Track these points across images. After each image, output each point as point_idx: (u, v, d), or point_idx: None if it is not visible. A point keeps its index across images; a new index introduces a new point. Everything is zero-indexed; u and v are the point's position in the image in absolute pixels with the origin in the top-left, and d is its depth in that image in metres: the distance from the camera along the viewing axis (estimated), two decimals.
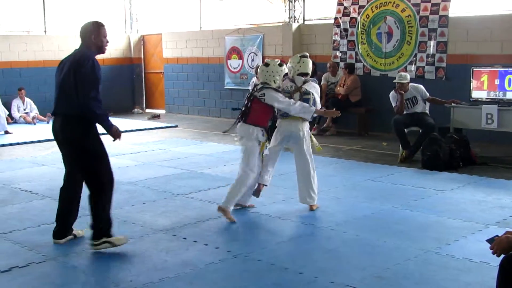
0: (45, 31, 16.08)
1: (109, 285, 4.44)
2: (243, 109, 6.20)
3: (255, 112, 6.11)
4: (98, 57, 5.26)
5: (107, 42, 5.31)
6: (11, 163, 9.44)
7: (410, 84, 9.20)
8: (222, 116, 15.17)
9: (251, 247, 5.22)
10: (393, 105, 9.28)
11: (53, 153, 10.21)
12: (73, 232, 5.51)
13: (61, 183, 5.45)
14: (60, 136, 5.20)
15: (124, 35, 17.68)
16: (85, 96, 4.98)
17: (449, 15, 11.04)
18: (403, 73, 9.40)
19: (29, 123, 14.26)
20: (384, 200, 6.74)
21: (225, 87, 15.18)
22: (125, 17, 17.98)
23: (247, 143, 6.11)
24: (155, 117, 15.85)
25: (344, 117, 12.15)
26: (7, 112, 13.67)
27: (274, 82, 6.23)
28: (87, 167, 5.18)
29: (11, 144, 11.35)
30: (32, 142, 11.59)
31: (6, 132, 12.68)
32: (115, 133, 5.24)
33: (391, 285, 4.34)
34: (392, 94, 9.31)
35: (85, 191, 5.27)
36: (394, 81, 9.23)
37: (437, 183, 7.55)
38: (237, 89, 14.77)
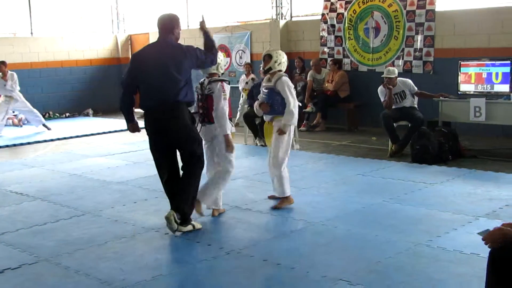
0: (31, 33, 16.01)
1: (102, 285, 4.44)
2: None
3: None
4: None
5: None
6: (1, 165, 9.39)
7: (398, 78, 9.24)
8: None
9: (243, 243, 5.24)
10: (382, 99, 9.32)
11: (42, 155, 10.19)
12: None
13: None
14: (169, 125, 5.44)
15: (111, 35, 17.62)
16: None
17: (436, 9, 11.09)
18: (391, 68, 9.44)
19: (16, 125, 14.20)
20: (374, 195, 6.77)
21: None
22: (112, 17, 17.93)
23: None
24: None
25: (333, 112, 12.27)
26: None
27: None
28: (194, 150, 5.52)
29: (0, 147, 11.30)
30: (22, 144, 11.53)
31: (44, 126, 13.14)
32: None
33: (383, 278, 4.37)
34: (380, 89, 9.35)
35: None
36: (382, 76, 9.27)
37: (426, 176, 7.60)
38: None
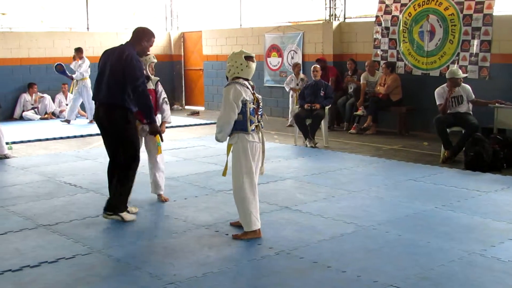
0: (87, 28, 16.33)
1: (152, 279, 4.49)
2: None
3: None
4: None
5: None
6: (56, 157, 9.62)
7: None
8: None
9: (293, 244, 5.22)
10: (438, 102, 9.13)
11: (95, 148, 10.38)
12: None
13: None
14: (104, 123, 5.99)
15: (164, 32, 17.83)
16: None
17: (494, 14, 10.86)
18: (455, 68, 9.24)
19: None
20: (426, 201, 6.67)
21: (264, 85, 15.19)
22: (165, 14, 18.14)
23: None
24: (195, 114, 15.96)
25: (384, 116, 12.15)
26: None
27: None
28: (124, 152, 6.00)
29: (54, 138, 11.56)
30: (75, 136, 11.79)
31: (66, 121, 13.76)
32: None
33: (435, 286, 4.30)
34: (438, 91, 9.14)
35: None
36: (448, 76, 9.04)
37: (480, 184, 7.45)
38: (276, 86, 14.77)
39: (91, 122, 13.42)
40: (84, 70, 13.41)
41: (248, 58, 5.41)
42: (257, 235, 5.42)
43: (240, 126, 5.32)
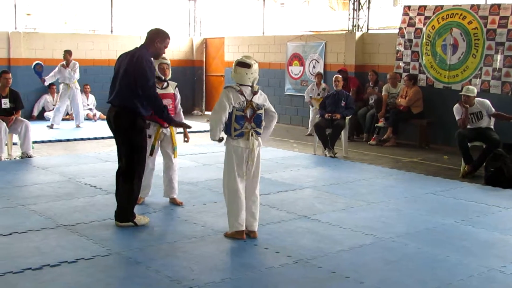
0: (111, 31, 16.46)
1: (171, 282, 4.52)
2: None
3: None
4: None
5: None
6: (77, 158, 9.71)
7: (476, 98, 9.03)
8: (281, 121, 15.14)
9: (311, 253, 5.22)
10: (457, 118, 9.12)
11: (115, 150, 10.43)
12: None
13: None
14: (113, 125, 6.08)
15: (187, 38, 17.93)
16: None
17: None
18: (470, 87, 9.23)
19: (90, 119, 14.62)
20: (445, 215, 6.64)
21: (285, 93, 15.22)
22: (189, 20, 18.24)
23: None
24: None
25: (405, 128, 12.11)
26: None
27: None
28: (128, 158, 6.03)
29: (75, 139, 11.67)
30: (96, 138, 11.89)
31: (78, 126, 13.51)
32: None
33: None
34: (456, 107, 9.15)
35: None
36: (460, 93, 9.08)
37: (500, 200, 7.39)
38: (297, 95, 14.78)
39: (78, 126, 13.41)
40: (78, 73, 13.29)
41: (239, 64, 5.53)
42: (239, 236, 5.55)
43: (226, 130, 5.55)
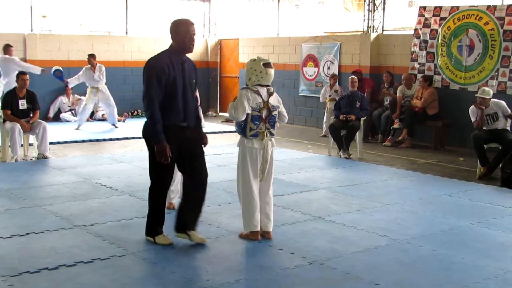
0: (126, 32, 16.54)
1: (187, 283, 4.54)
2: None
3: None
4: None
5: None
6: (92, 158, 9.76)
7: (492, 99, 8.98)
8: (295, 123, 15.19)
9: (326, 255, 5.22)
10: (472, 120, 9.08)
11: (130, 151, 10.50)
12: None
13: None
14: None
15: (202, 39, 17.97)
16: None
17: None
18: (486, 88, 9.18)
19: (105, 120, 14.69)
20: (461, 216, 6.60)
21: (299, 94, 15.21)
22: (203, 21, 18.28)
23: None
24: (229, 120, 16.02)
25: (420, 129, 12.06)
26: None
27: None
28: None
29: (90, 140, 11.74)
30: (111, 139, 11.96)
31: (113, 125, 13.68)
32: None
33: None
34: (472, 108, 9.11)
35: None
36: (476, 95, 9.03)
37: None
38: (312, 96, 14.77)
39: (115, 126, 13.58)
40: (103, 76, 13.38)
41: (266, 65, 5.51)
42: (254, 237, 5.55)
43: (242, 130, 5.56)
